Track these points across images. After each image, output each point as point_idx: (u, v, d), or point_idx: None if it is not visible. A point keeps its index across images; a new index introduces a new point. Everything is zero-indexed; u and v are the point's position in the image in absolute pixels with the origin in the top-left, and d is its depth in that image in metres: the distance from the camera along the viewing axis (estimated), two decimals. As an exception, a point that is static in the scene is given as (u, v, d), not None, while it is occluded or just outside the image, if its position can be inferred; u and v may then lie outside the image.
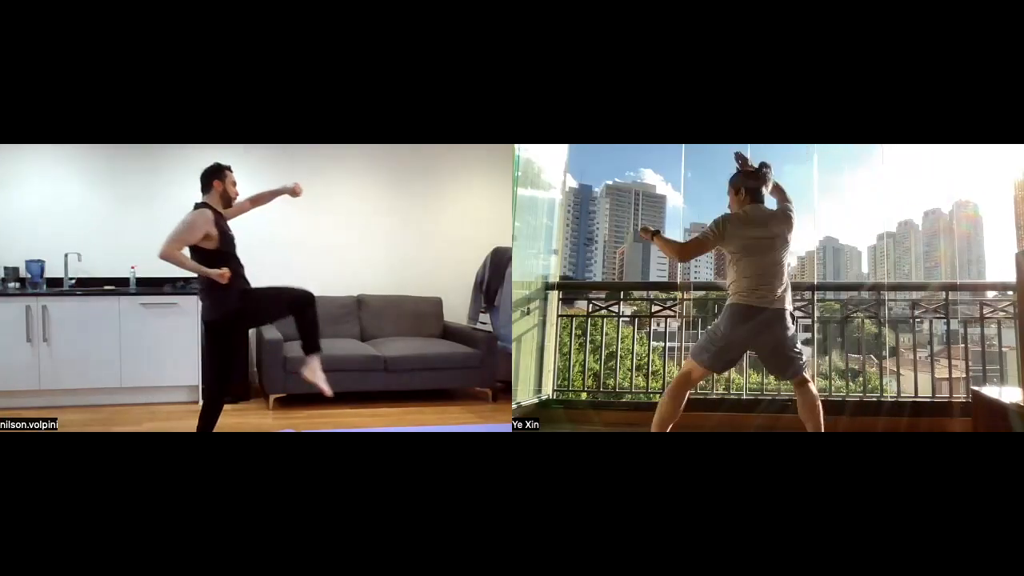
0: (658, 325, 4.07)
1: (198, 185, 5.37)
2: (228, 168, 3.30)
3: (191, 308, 4.82)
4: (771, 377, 3.88)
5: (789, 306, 2.83)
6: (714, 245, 2.85)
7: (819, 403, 2.82)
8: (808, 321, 3.85)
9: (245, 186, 5.38)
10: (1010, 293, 3.56)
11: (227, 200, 3.28)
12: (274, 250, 5.41)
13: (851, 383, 3.86)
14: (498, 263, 5.23)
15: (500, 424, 4.25)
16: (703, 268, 4.77)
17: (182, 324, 4.80)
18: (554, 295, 4.05)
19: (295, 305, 3.25)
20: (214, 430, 3.25)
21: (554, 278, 4.09)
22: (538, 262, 3.99)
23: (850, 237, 4.57)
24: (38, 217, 4.98)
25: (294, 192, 3.48)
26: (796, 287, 3.94)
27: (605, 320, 4.18)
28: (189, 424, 4.45)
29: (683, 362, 2.99)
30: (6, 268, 4.80)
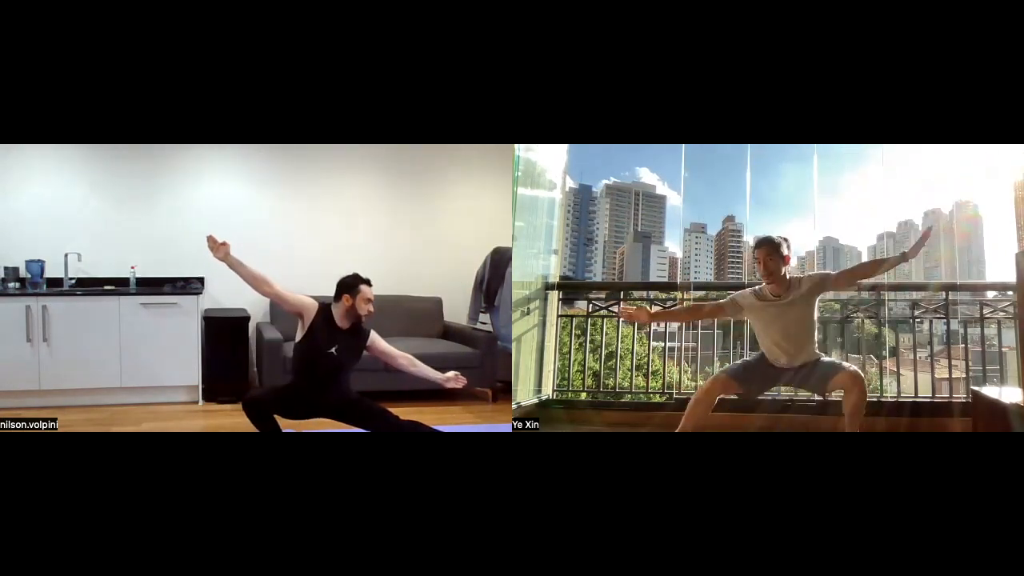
0: (658, 325, 4.07)
1: (197, 184, 5.41)
2: (366, 283, 3.21)
3: (191, 308, 4.82)
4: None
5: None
6: None
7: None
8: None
9: (245, 186, 5.42)
10: (1010, 293, 3.56)
11: (353, 317, 3.17)
12: (274, 250, 5.41)
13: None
14: (498, 263, 5.22)
15: (500, 424, 4.25)
16: (703, 268, 4.77)
17: (182, 324, 4.80)
18: (554, 295, 4.05)
19: None
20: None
21: (554, 278, 4.09)
22: (538, 262, 3.98)
23: (850, 237, 4.57)
24: (38, 217, 4.97)
25: None
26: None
27: (605, 320, 4.18)
28: (189, 424, 4.46)
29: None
30: (6, 268, 4.80)
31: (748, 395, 3.04)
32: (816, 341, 2.91)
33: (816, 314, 2.90)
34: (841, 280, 2.94)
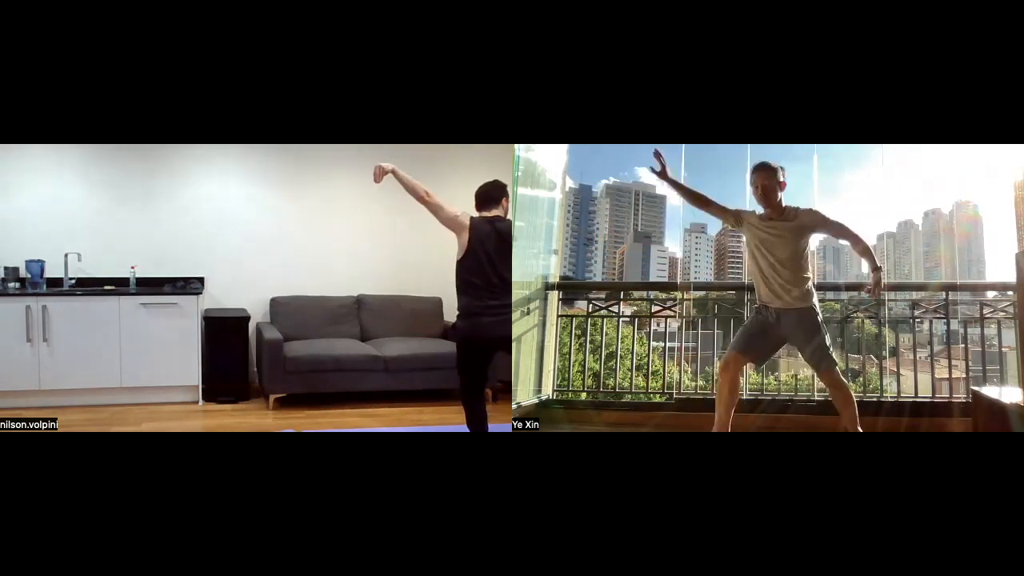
0: (658, 325, 4.07)
1: (197, 184, 5.40)
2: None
3: (191, 308, 4.83)
4: (771, 377, 3.89)
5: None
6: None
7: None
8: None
9: (245, 186, 5.42)
10: (1010, 293, 3.56)
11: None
12: (274, 250, 5.42)
13: (851, 383, 3.85)
14: (498, 263, 5.21)
15: (500, 424, 4.25)
16: (703, 268, 4.77)
17: (182, 324, 4.80)
18: (554, 295, 4.05)
19: None
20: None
21: (554, 278, 4.09)
22: (538, 262, 3.99)
23: (850, 237, 4.57)
24: (38, 217, 4.98)
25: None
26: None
27: (605, 320, 4.18)
28: (189, 424, 4.47)
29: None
30: (6, 268, 4.80)
31: (761, 360, 3.13)
32: (808, 288, 2.90)
33: (807, 253, 2.91)
34: (834, 228, 2.97)
